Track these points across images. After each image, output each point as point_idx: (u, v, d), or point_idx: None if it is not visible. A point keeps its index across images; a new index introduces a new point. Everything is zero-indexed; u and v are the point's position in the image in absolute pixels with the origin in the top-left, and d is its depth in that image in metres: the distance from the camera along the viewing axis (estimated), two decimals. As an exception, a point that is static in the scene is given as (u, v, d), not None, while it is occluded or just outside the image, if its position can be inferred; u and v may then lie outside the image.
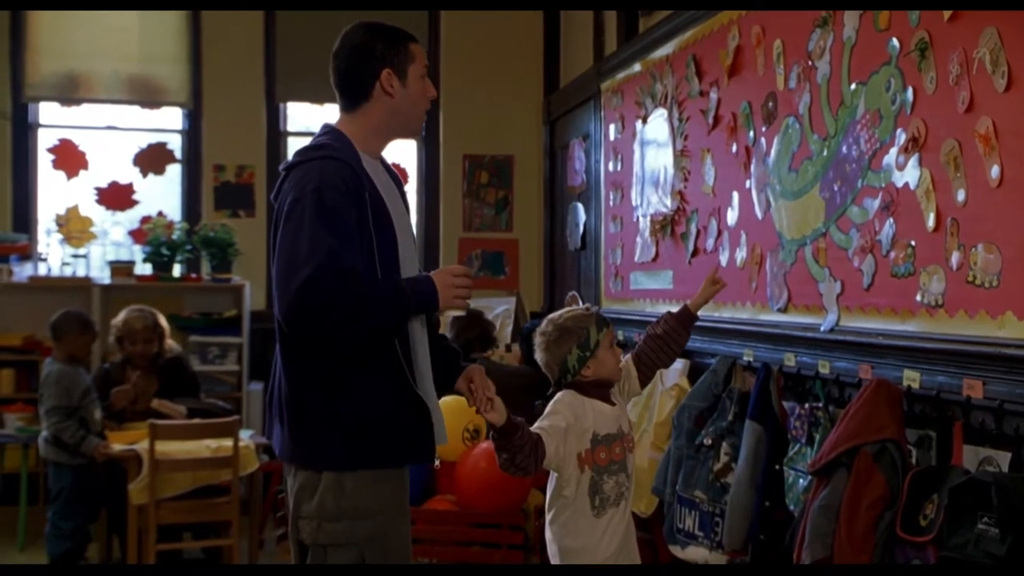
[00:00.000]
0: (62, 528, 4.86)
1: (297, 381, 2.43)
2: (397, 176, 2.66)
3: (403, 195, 2.64)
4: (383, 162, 2.63)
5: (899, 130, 3.01)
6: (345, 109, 2.57)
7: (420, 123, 2.65)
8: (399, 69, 2.52)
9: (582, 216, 6.08)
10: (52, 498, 4.93)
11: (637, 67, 5.14)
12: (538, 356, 2.94)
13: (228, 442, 4.57)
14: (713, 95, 4.25)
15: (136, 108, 6.72)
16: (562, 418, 2.79)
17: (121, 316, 5.12)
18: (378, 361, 2.40)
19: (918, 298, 2.92)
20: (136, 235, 6.51)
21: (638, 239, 5.09)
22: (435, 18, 6.87)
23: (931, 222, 2.86)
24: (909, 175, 2.96)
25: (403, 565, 2.46)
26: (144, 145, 6.66)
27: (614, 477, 2.80)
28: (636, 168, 5.13)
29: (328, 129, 2.56)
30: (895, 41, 3.03)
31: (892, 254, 3.04)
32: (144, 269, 6.35)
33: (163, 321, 5.19)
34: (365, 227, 2.38)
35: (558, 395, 2.87)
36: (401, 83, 2.52)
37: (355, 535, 2.37)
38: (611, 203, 5.52)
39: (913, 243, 2.95)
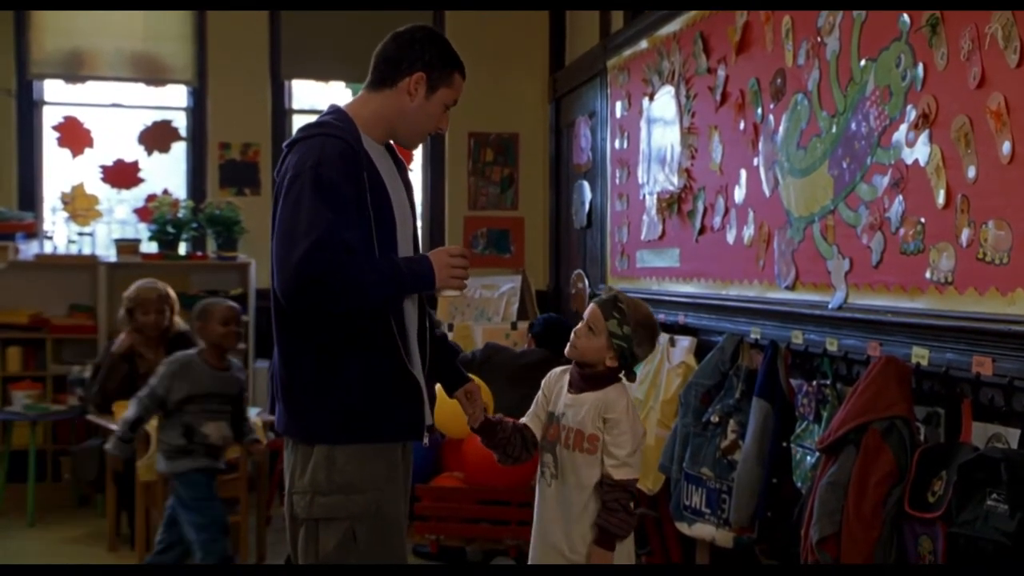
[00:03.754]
0: (214, 532, 4.16)
1: (292, 356, 2.46)
2: (401, 161, 2.67)
3: (406, 180, 2.65)
4: (388, 147, 2.63)
5: (909, 106, 3.00)
6: (368, 87, 2.57)
7: (419, 140, 2.66)
8: (432, 82, 2.52)
9: (588, 194, 6.07)
10: (190, 508, 4.13)
11: (644, 44, 5.11)
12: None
13: (235, 419, 4.58)
14: (721, 72, 4.23)
15: (141, 86, 6.70)
16: (543, 386, 2.88)
17: (133, 288, 5.16)
18: (372, 338, 2.42)
19: (927, 275, 2.92)
20: (141, 213, 6.51)
21: (644, 217, 5.08)
22: (440, -5, 6.83)
23: (941, 199, 2.85)
24: (919, 152, 2.95)
25: (399, 565, 2.48)
26: (149, 123, 6.64)
27: (546, 455, 2.81)
28: (643, 146, 5.12)
29: (334, 109, 2.56)
30: (906, 17, 3.02)
31: (901, 231, 3.04)
32: (150, 247, 6.35)
33: (173, 295, 5.22)
34: (363, 205, 2.39)
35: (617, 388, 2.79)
36: (426, 95, 2.53)
37: (347, 509, 2.39)
38: (617, 181, 5.51)
39: (923, 220, 2.94)
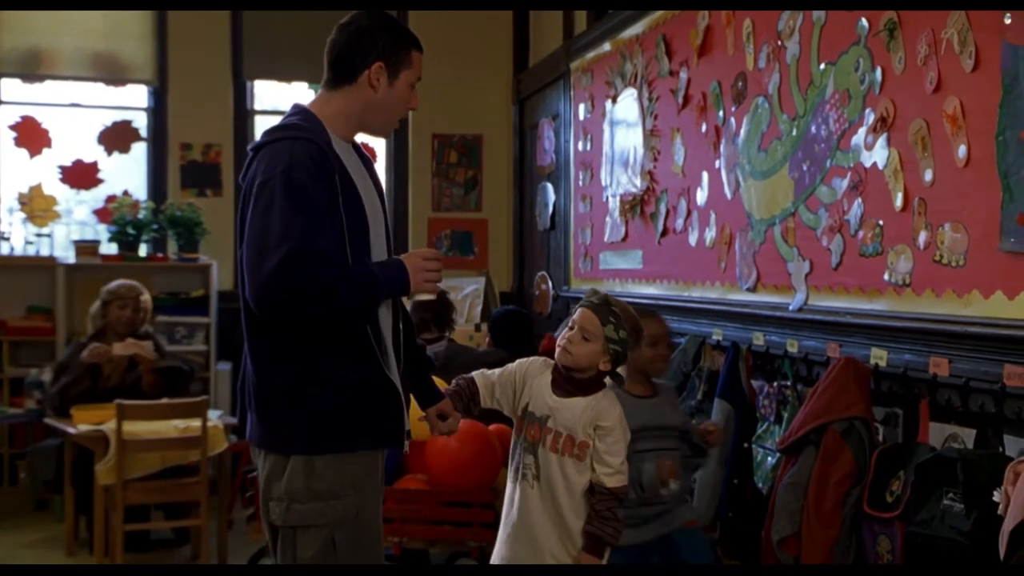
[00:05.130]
0: None
1: (263, 364, 2.40)
2: (368, 158, 2.63)
3: (375, 177, 2.62)
4: (355, 145, 2.60)
5: (868, 110, 3.03)
6: (327, 86, 2.52)
7: (391, 127, 2.63)
8: (392, 68, 2.47)
9: (551, 196, 6.08)
10: None
11: (607, 46, 5.13)
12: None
13: (196, 422, 4.54)
14: (683, 75, 4.26)
15: (100, 85, 6.62)
16: (518, 366, 2.81)
17: (114, 283, 5.18)
18: (347, 343, 2.37)
19: (886, 277, 2.95)
20: (101, 214, 6.44)
21: (608, 219, 5.09)
22: (404, -4, 6.81)
23: (899, 202, 2.88)
24: (877, 155, 2.99)
25: (375, 566, 2.45)
26: (109, 123, 6.57)
27: (527, 456, 2.75)
28: (606, 148, 5.13)
29: (298, 109, 2.51)
30: (864, 21, 3.05)
31: (860, 234, 3.07)
32: (109, 248, 6.27)
33: (148, 299, 5.22)
34: (335, 209, 2.35)
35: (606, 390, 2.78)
36: (389, 82, 2.48)
37: (325, 516, 2.35)
38: (581, 183, 5.52)
39: (881, 223, 2.97)
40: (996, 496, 2.34)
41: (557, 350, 2.72)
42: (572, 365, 2.69)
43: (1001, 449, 2.52)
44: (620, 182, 4.94)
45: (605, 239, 5.12)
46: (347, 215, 2.37)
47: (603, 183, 5.16)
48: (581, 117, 5.51)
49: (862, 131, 3.06)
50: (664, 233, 4.46)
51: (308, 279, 2.25)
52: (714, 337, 3.87)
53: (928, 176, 2.76)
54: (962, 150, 2.63)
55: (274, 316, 2.30)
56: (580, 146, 5.53)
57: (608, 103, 5.08)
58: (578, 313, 2.72)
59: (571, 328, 2.70)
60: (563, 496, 2.70)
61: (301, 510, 2.35)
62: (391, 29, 2.51)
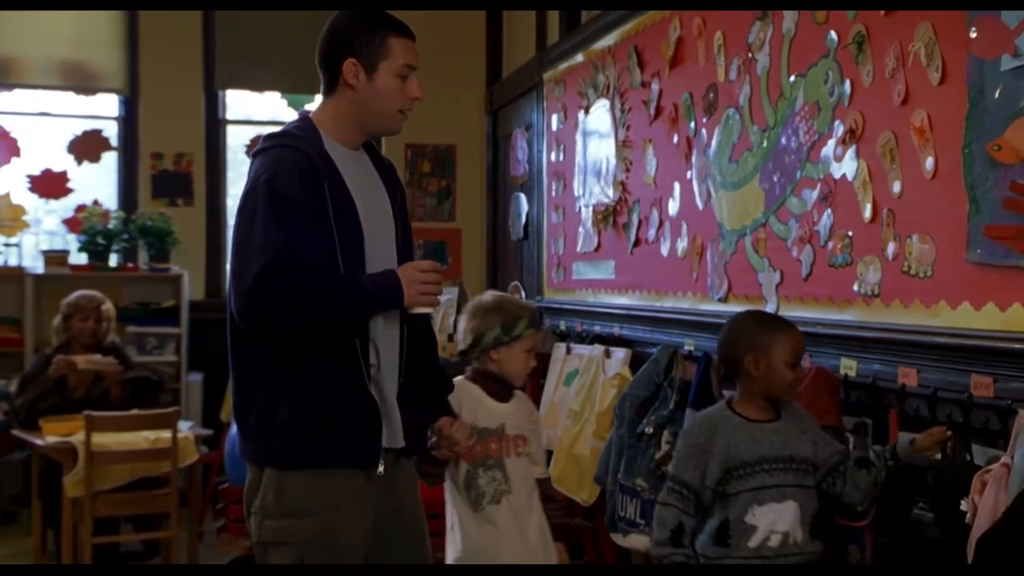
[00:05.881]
0: None
1: (244, 373, 2.36)
2: (386, 166, 2.55)
3: (392, 185, 2.53)
4: (372, 151, 2.53)
5: (837, 122, 3.06)
6: (322, 93, 2.46)
7: (395, 122, 2.47)
8: (367, 62, 2.37)
9: (524, 206, 6.08)
10: None
11: (579, 58, 5.15)
12: (462, 320, 2.95)
13: (167, 433, 4.50)
14: (655, 86, 4.28)
15: (70, 94, 6.58)
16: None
17: (73, 295, 5.10)
18: (331, 356, 2.30)
19: (855, 288, 2.97)
20: (71, 224, 6.38)
21: (580, 229, 5.11)
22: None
23: (868, 213, 2.90)
24: (847, 166, 3.01)
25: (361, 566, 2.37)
26: (79, 132, 6.52)
27: (490, 472, 2.79)
28: (578, 158, 5.15)
29: (300, 115, 2.46)
30: (833, 34, 3.08)
31: (830, 244, 3.09)
32: (79, 259, 6.23)
33: (112, 308, 5.16)
34: (325, 218, 2.28)
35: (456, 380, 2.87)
36: (367, 77, 2.37)
37: (296, 534, 2.29)
38: (553, 193, 5.53)
39: (850, 234, 3.00)
40: (964, 505, 2.36)
41: (526, 376, 2.97)
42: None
43: (968, 458, 2.54)
44: (593, 192, 4.95)
45: (578, 249, 5.13)
46: (338, 224, 2.30)
47: (576, 193, 5.18)
48: (554, 128, 5.53)
49: (831, 143, 3.08)
50: (636, 243, 4.47)
51: (290, 288, 2.21)
52: (686, 347, 3.88)
53: (896, 188, 2.79)
54: (929, 162, 2.65)
55: (257, 326, 2.26)
56: (553, 156, 5.54)
57: (581, 114, 5.10)
58: (536, 335, 2.97)
59: (530, 351, 2.93)
60: (525, 498, 2.84)
61: (272, 526, 2.31)
62: (361, 21, 2.40)
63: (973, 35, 2.48)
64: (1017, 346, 2.35)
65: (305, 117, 2.45)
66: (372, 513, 2.39)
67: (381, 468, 2.37)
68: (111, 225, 6.22)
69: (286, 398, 2.29)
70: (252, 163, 2.39)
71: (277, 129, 2.45)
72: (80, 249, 6.22)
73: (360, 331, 2.33)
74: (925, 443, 2.49)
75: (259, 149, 2.39)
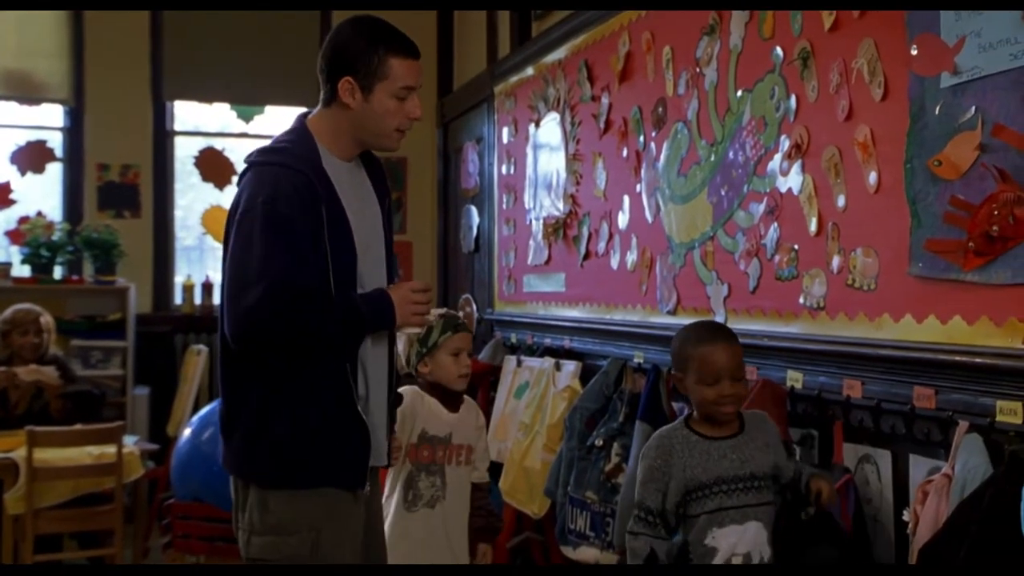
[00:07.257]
0: None
1: (232, 387, 2.35)
2: (379, 172, 2.52)
3: (382, 192, 2.51)
4: (368, 158, 2.50)
5: (783, 136, 3.09)
6: (321, 102, 2.43)
7: (391, 141, 2.42)
8: (364, 82, 2.33)
9: (476, 219, 6.08)
10: None
11: (530, 71, 5.17)
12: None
13: (111, 448, 4.43)
14: (604, 100, 4.30)
15: (13, 104, 6.47)
16: (406, 405, 2.92)
17: (9, 311, 4.98)
18: (320, 373, 2.30)
19: (801, 300, 3.00)
20: (13, 235, 6.26)
21: (531, 242, 5.11)
22: (326, 17, 6.76)
23: (813, 227, 2.94)
24: (792, 181, 3.05)
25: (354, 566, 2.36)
26: (22, 143, 6.42)
27: (431, 478, 2.90)
28: (529, 171, 5.16)
29: (298, 124, 2.42)
30: (779, 50, 3.11)
31: (776, 258, 3.12)
32: (22, 271, 6.12)
33: (51, 319, 5.06)
34: (320, 240, 2.27)
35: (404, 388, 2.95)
36: (363, 96, 2.34)
37: (280, 551, 2.28)
38: (504, 206, 5.54)
39: (796, 247, 3.03)
40: (906, 515, 2.40)
41: (461, 379, 3.01)
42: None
43: (906, 469, 2.58)
44: (543, 205, 4.96)
45: (528, 262, 5.14)
46: (332, 247, 2.29)
47: (526, 206, 5.19)
48: (505, 140, 5.54)
49: (778, 157, 3.12)
50: (586, 256, 4.49)
51: (288, 316, 2.21)
52: (635, 360, 3.90)
53: (841, 202, 2.83)
54: (873, 177, 2.69)
55: (251, 348, 2.26)
56: (504, 169, 5.55)
57: (531, 127, 5.11)
58: (459, 338, 3.01)
59: (456, 354, 3.00)
60: (460, 507, 2.95)
61: (257, 543, 2.31)
62: (361, 40, 2.35)
63: (914, 52, 2.52)
64: (958, 358, 2.39)
65: (302, 126, 2.42)
66: (359, 530, 2.40)
67: (367, 488, 2.40)
68: (55, 237, 6.12)
69: (275, 416, 2.29)
70: (244, 175, 2.36)
71: (271, 143, 2.40)
72: (23, 261, 6.12)
73: (353, 352, 2.34)
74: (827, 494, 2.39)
75: (255, 162, 2.36)
